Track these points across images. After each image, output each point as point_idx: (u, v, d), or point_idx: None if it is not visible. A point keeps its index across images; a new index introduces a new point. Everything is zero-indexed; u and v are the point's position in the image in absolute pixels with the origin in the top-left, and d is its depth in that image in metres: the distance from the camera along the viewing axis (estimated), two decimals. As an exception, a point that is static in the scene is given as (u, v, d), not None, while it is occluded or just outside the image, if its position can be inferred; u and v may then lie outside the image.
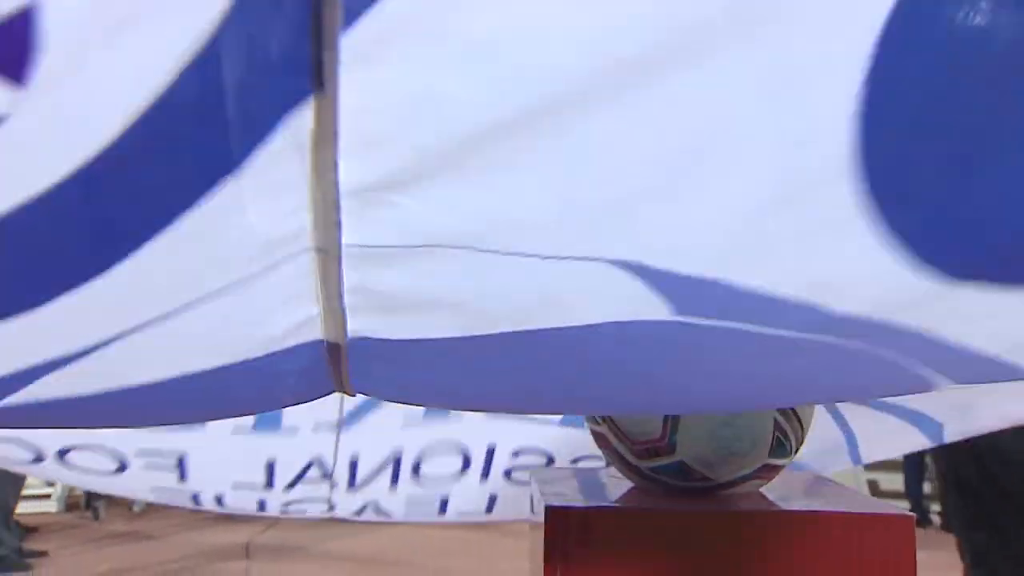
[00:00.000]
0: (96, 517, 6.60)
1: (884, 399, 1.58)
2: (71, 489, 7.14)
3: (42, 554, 5.61)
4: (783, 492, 1.27)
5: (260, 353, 0.77)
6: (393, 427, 1.88)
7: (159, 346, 0.75)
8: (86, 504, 6.81)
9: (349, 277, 0.69)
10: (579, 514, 1.13)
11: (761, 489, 1.27)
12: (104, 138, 0.58)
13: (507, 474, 2.00)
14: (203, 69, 0.55)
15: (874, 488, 7.36)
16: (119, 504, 6.88)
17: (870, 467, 7.28)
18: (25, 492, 7.04)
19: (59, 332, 0.72)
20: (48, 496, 7.07)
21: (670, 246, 0.68)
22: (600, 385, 0.89)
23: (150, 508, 6.85)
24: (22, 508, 6.91)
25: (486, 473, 1.99)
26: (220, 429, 1.77)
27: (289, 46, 0.55)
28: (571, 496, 1.23)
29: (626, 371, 0.85)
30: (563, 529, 1.11)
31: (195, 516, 6.54)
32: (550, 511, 1.12)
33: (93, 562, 5.62)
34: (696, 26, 0.56)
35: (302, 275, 0.69)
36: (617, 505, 1.21)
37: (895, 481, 7.25)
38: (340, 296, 0.71)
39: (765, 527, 1.14)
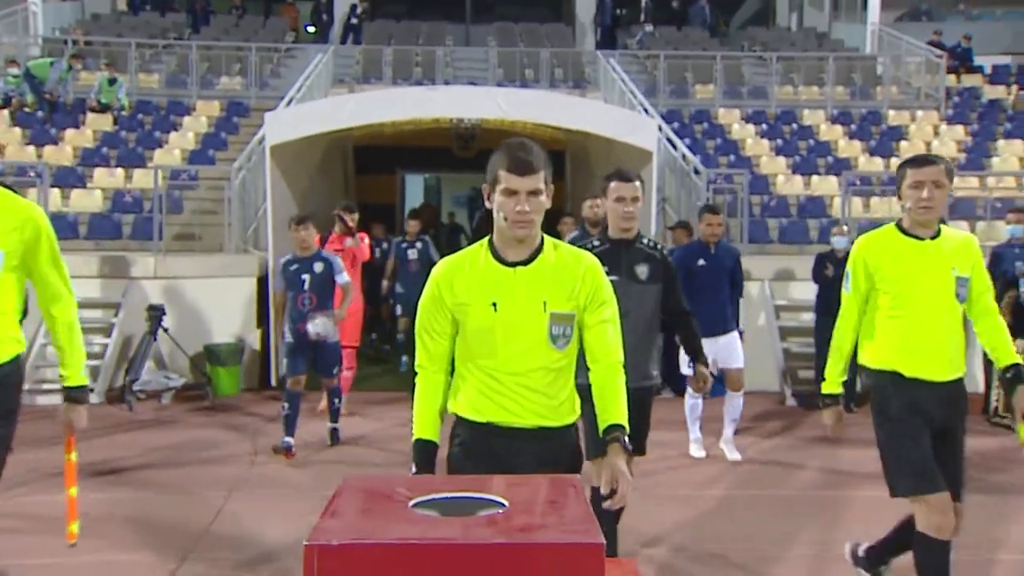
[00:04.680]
0: (130, 409, 7.97)
1: None
2: (110, 385, 8.57)
3: None
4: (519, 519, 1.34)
5: None
6: None
7: None
8: (121, 398, 8.19)
9: None
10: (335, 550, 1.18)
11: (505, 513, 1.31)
12: None
13: None
14: None
15: (787, 353, 9.21)
16: (151, 397, 8.33)
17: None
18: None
19: None
20: (92, 390, 8.47)
21: None
22: None
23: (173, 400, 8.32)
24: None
25: None
26: None
27: None
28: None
29: None
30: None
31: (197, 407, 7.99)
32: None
33: (125, 444, 7.02)
34: None
35: None
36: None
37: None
38: None
39: (466, 558, 1.19)
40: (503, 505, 1.35)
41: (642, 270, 3.96)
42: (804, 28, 20.96)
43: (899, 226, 3.52)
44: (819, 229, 11.13)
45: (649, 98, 13.70)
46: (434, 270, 2.71)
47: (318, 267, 6.75)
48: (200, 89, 15.12)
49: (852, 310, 3.55)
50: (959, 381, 3.44)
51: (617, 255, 3.89)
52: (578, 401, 2.71)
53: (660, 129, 10.99)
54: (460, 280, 2.64)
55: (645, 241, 4.06)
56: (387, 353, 10.85)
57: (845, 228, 8.55)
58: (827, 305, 8.44)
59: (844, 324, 3.57)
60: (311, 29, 20.41)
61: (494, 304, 2.60)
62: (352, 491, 1.35)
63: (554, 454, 2.60)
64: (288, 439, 6.57)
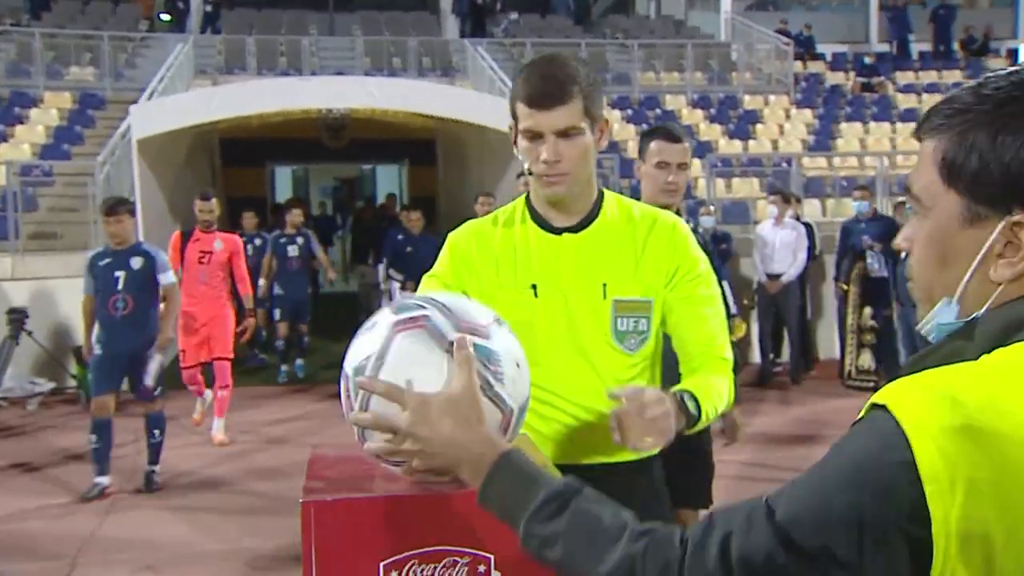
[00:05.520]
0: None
1: None
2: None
3: None
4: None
5: None
6: None
7: None
8: (-16, 407, 7.75)
9: None
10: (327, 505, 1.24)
11: None
12: None
13: None
14: None
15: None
16: (16, 404, 7.91)
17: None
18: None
19: None
20: (-51, 400, 7.98)
21: None
22: None
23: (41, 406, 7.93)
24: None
25: None
26: None
27: None
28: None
29: None
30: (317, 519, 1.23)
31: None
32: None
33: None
34: None
35: None
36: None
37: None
38: None
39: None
40: None
41: None
42: (662, 16, 21.75)
43: None
44: (686, 209, 11.65)
45: (518, 86, 13.91)
46: (452, 233, 1.91)
47: (136, 263, 5.52)
48: (47, 79, 14.29)
49: None
50: None
51: None
52: None
53: (531, 116, 11.18)
54: (487, 250, 1.83)
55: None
56: (264, 363, 9.83)
57: (712, 208, 9.03)
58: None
59: None
60: (165, 17, 19.60)
61: (533, 287, 1.79)
62: (325, 458, 1.44)
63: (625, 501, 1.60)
64: (101, 479, 5.45)
